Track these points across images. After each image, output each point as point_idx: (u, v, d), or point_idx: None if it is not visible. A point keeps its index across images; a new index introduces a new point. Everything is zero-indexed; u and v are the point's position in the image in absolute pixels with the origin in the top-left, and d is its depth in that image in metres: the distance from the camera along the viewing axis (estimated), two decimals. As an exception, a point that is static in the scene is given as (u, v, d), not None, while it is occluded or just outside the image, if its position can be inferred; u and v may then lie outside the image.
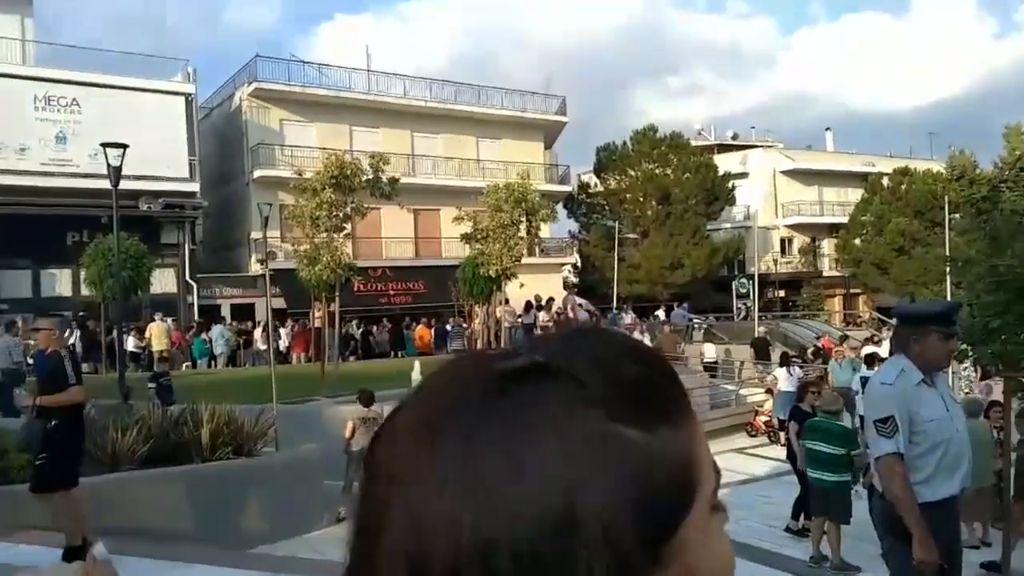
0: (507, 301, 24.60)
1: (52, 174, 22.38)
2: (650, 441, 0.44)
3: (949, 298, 13.81)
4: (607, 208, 36.16)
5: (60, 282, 23.12)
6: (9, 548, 6.04)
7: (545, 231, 28.70)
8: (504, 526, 0.39)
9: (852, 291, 41.05)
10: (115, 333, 14.86)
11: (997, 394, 8.84)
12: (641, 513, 0.42)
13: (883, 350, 14.30)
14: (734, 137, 48.21)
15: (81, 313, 21.28)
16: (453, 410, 0.43)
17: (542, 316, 25.59)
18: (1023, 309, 5.61)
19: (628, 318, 27.53)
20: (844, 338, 22.73)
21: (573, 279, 36.27)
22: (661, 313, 28.43)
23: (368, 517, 0.44)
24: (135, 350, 19.78)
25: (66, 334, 10.36)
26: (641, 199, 34.89)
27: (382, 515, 0.42)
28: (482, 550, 0.39)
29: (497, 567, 0.39)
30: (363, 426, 9.10)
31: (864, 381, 12.12)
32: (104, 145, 12.83)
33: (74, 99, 23.07)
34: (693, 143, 38.10)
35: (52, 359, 5.86)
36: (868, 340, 18.72)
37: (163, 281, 23.25)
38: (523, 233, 23.45)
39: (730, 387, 18.97)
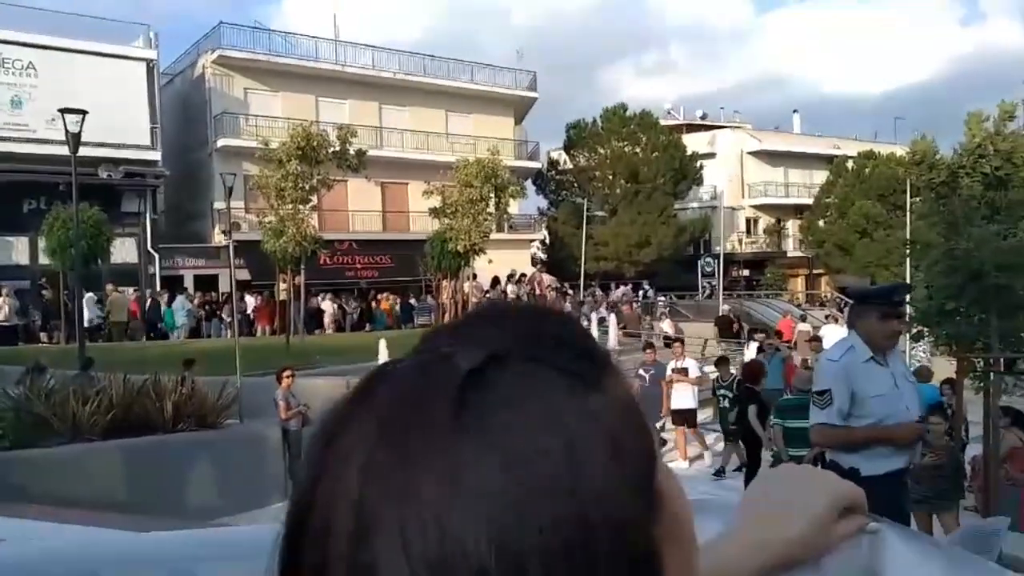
0: (475, 276, 24.61)
1: (7, 139, 21.74)
2: (612, 396, 0.42)
3: (908, 281, 14.11)
4: (576, 185, 36.19)
5: (17, 250, 22.54)
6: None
7: (514, 207, 28.62)
8: (522, 527, 0.35)
9: (815, 272, 41.70)
10: (74, 303, 14.58)
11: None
12: (633, 475, 0.40)
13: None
14: (703, 117, 48.41)
15: (40, 282, 20.86)
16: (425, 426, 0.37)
17: (511, 289, 25.72)
18: (977, 292, 5.76)
19: (617, 293, 28.58)
20: (804, 318, 23.07)
21: (541, 255, 36.33)
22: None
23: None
24: (96, 320, 19.42)
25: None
26: (610, 177, 34.96)
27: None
28: (505, 551, 0.35)
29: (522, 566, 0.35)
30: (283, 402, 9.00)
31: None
32: (63, 111, 12.50)
33: (30, 62, 22.37)
34: (663, 122, 38.18)
35: None
36: (829, 318, 19.08)
37: (123, 251, 22.79)
38: (492, 209, 23.43)
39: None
